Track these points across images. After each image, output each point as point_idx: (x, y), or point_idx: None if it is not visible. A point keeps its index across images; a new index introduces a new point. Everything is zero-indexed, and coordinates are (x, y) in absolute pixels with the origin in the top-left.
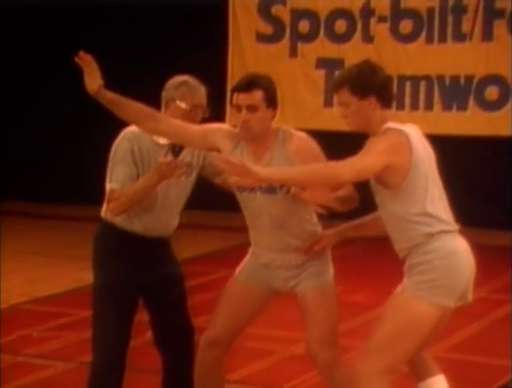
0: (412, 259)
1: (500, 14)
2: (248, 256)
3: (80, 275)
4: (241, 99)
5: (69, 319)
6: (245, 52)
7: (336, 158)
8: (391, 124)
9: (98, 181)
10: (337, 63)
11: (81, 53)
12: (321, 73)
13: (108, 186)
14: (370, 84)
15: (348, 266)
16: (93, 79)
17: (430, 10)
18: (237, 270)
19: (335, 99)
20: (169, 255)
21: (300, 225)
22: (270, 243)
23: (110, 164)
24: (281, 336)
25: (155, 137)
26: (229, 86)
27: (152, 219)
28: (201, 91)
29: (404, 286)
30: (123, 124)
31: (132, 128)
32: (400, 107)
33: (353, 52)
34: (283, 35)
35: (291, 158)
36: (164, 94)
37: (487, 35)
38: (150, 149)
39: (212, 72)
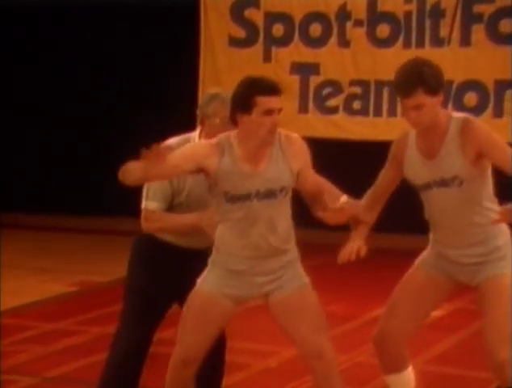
0: (487, 246)
1: (478, 18)
2: (213, 271)
3: (43, 287)
4: None
5: (33, 333)
6: (218, 56)
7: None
8: (454, 113)
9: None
10: (312, 68)
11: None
12: (296, 78)
13: (144, 203)
14: (440, 80)
15: (324, 275)
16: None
17: (408, 14)
18: (199, 282)
19: (406, 104)
20: (204, 265)
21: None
22: (261, 249)
23: None
24: (255, 349)
25: None
26: (201, 90)
27: (196, 234)
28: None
29: (495, 271)
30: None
31: (171, 143)
32: (378, 113)
33: (329, 57)
34: (256, 40)
35: (290, 160)
36: (198, 112)
37: (465, 40)
38: None
39: (184, 76)
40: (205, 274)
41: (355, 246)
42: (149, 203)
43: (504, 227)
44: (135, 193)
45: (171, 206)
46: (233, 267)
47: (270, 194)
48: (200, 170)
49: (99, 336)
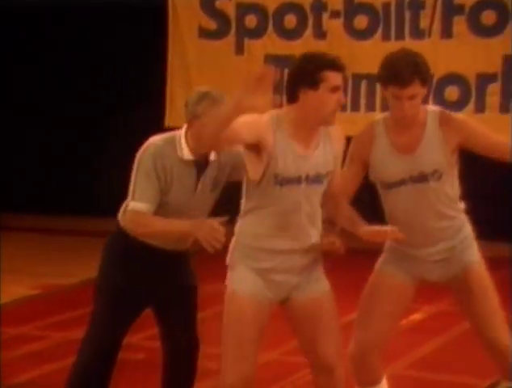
0: (455, 238)
1: (459, 10)
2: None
3: (5, 289)
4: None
5: None
6: (187, 48)
7: None
8: (428, 106)
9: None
10: (287, 60)
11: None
12: None
13: (132, 204)
14: (430, 72)
15: None
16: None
17: (386, 5)
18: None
19: (401, 94)
20: (185, 266)
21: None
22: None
23: (133, 178)
24: None
25: (179, 152)
26: (169, 83)
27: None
28: (224, 102)
29: (467, 260)
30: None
31: (154, 141)
32: (356, 108)
33: (304, 49)
34: (228, 31)
35: (334, 146)
36: (185, 111)
37: (446, 32)
38: (174, 164)
39: (152, 69)
40: (234, 276)
41: (333, 239)
42: (137, 204)
43: (465, 217)
44: (100, 192)
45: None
46: (262, 265)
47: (318, 179)
48: (257, 144)
49: (64, 341)
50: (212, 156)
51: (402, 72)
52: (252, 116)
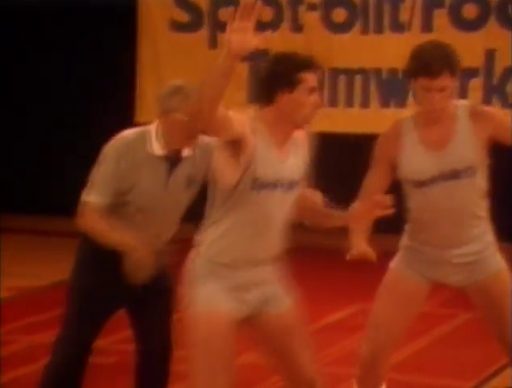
0: (482, 242)
1: (440, 3)
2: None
3: None
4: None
5: None
6: (158, 41)
7: None
8: (461, 101)
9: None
10: (262, 54)
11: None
12: (244, 65)
13: (87, 197)
14: (459, 64)
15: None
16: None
17: None
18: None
19: (431, 86)
20: (158, 266)
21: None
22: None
23: (94, 169)
24: None
25: (149, 147)
26: (139, 78)
27: (134, 231)
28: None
29: (494, 267)
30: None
31: (124, 134)
32: (334, 103)
33: (280, 43)
34: (200, 24)
35: (304, 150)
36: (157, 105)
37: (427, 26)
38: (143, 159)
39: (120, 65)
40: (201, 295)
41: (363, 247)
42: (90, 197)
43: (489, 221)
44: (69, 191)
45: (116, 204)
46: (231, 282)
47: (292, 185)
48: (239, 142)
49: (32, 346)
50: (186, 152)
51: (432, 63)
52: (233, 112)
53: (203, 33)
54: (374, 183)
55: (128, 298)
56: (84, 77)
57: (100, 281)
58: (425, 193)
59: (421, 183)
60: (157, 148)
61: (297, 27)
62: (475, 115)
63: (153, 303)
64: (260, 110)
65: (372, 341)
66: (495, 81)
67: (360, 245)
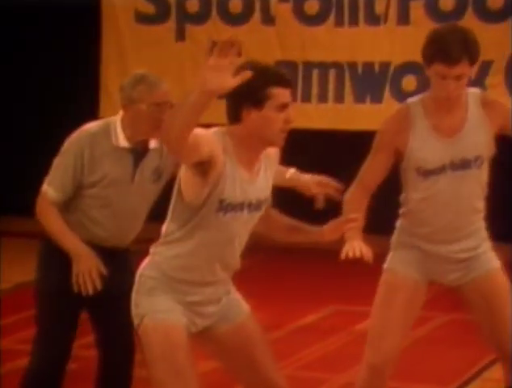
0: (477, 237)
1: None
2: None
3: None
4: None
5: None
6: (123, 34)
7: None
8: (471, 89)
9: None
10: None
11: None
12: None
13: (46, 187)
14: (479, 51)
15: (246, 278)
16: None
17: None
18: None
19: (449, 73)
20: (122, 266)
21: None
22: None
23: (56, 159)
24: None
25: (114, 140)
26: (103, 73)
27: (104, 229)
28: (162, 87)
29: (490, 265)
30: None
31: (90, 127)
32: (307, 98)
33: (251, 36)
34: (167, 16)
35: (272, 168)
36: (120, 95)
37: (403, 18)
38: (107, 152)
39: (84, 58)
40: (157, 305)
41: (363, 248)
42: (49, 189)
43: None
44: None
45: (80, 198)
46: (189, 298)
47: (259, 206)
48: (208, 161)
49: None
50: (153, 144)
51: (451, 49)
52: (202, 130)
53: (170, 25)
54: (373, 171)
55: (90, 299)
56: (45, 77)
57: (64, 281)
58: (431, 182)
59: (429, 172)
60: (122, 140)
61: (268, 19)
62: (486, 104)
63: (115, 306)
64: (229, 129)
65: (377, 351)
66: (473, 74)
67: (356, 245)
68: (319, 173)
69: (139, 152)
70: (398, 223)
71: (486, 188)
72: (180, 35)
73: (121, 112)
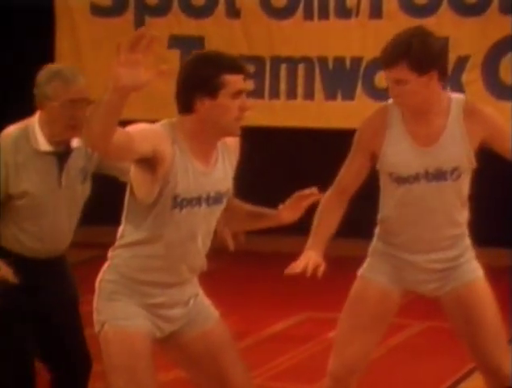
0: (459, 247)
1: None
2: None
3: None
4: None
5: None
6: (78, 28)
7: None
8: (452, 94)
9: None
10: (195, 41)
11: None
12: (176, 53)
13: None
14: (432, 56)
15: (214, 284)
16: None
17: None
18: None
19: (388, 77)
20: (61, 276)
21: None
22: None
23: None
24: None
25: (34, 143)
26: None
27: (38, 240)
28: (79, 82)
29: (471, 275)
30: None
31: (10, 132)
32: (275, 95)
33: (215, 29)
34: (125, 8)
35: (231, 158)
36: (35, 91)
37: (375, 12)
38: (29, 157)
39: (35, 56)
40: (116, 311)
41: (312, 262)
42: None
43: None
44: None
45: (11, 207)
46: (152, 300)
47: (218, 199)
48: (152, 157)
49: None
50: (75, 142)
51: (388, 50)
52: (145, 124)
53: (129, 17)
54: (350, 173)
55: (34, 314)
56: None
57: (10, 300)
58: (405, 191)
59: (402, 180)
60: (43, 142)
61: (233, 12)
62: (470, 114)
63: (60, 318)
64: (180, 120)
65: (341, 361)
66: (449, 70)
67: (306, 259)
68: (285, 173)
69: (62, 153)
70: (376, 230)
71: (466, 200)
72: (139, 28)
73: (38, 112)
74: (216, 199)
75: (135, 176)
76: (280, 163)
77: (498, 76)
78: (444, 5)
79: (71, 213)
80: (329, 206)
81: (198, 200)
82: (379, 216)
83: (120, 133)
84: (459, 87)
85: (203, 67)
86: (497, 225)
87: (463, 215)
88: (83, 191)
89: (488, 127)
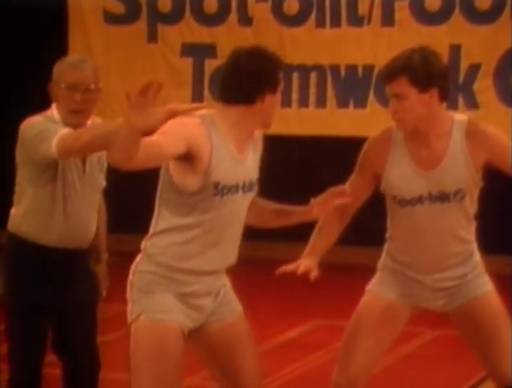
0: (467, 265)
1: None
2: None
3: None
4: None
5: None
6: (91, 35)
7: None
8: (454, 115)
9: None
10: (207, 49)
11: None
12: (188, 61)
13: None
14: (432, 73)
15: None
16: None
17: None
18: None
19: (388, 90)
20: (84, 273)
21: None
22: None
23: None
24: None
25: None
26: None
27: (59, 225)
28: (83, 69)
29: (480, 290)
30: None
31: (35, 120)
32: (287, 103)
33: (227, 37)
34: (138, 16)
35: (259, 150)
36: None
37: (387, 19)
38: None
39: (48, 62)
40: (151, 303)
41: (304, 264)
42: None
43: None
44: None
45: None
46: (187, 288)
47: (251, 186)
48: (190, 153)
49: None
50: (89, 122)
51: (389, 65)
52: (179, 122)
53: (141, 25)
54: (353, 191)
55: (53, 311)
56: (6, 81)
57: (33, 296)
58: (409, 212)
59: (405, 202)
60: (65, 129)
61: (246, 20)
62: (472, 135)
63: (76, 318)
64: (224, 109)
65: (344, 371)
66: (461, 79)
67: (300, 263)
68: (297, 181)
69: None
70: (385, 246)
71: (473, 218)
72: (152, 36)
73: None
74: (249, 186)
75: (175, 168)
76: (292, 171)
77: (510, 84)
78: (456, 13)
79: (93, 203)
80: (330, 219)
81: (236, 188)
82: (387, 234)
83: (145, 148)
84: (470, 95)
85: (269, 63)
86: (501, 232)
87: (470, 231)
88: (100, 179)
89: (492, 148)
